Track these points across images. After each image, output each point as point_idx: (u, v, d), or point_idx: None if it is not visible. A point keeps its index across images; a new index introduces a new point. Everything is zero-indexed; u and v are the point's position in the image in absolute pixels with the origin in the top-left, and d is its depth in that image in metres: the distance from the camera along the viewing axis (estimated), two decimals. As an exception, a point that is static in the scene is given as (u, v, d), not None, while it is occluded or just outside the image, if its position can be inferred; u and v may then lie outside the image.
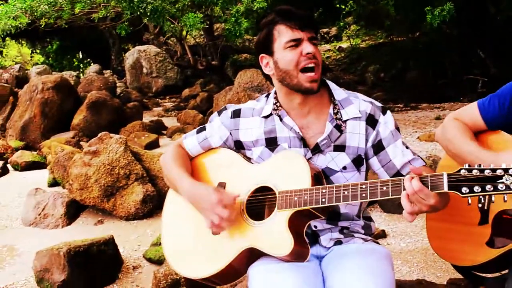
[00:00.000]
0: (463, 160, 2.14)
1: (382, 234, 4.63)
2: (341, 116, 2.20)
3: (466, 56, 13.99)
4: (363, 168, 2.23)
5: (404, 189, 1.83)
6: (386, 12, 15.57)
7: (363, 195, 1.92)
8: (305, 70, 2.13)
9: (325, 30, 21.23)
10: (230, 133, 2.34)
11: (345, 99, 2.24)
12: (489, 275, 2.29)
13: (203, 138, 2.39)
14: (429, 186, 1.80)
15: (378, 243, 2.33)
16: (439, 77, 13.87)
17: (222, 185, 2.24)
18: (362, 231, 2.29)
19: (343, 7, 18.22)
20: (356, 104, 2.23)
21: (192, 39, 18.18)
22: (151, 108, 14.85)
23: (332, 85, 2.29)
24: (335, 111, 2.21)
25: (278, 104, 2.27)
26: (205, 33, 16.93)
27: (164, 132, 10.58)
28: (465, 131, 2.23)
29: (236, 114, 2.35)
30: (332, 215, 2.22)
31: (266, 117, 2.28)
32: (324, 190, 1.99)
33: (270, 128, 2.26)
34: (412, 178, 1.82)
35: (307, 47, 2.11)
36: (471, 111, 2.28)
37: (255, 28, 13.08)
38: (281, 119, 2.24)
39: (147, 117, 12.18)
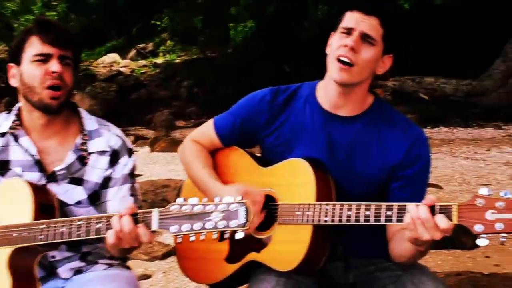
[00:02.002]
0: (198, 186, 2.14)
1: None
2: (88, 148, 2.09)
3: (274, 71, 14.78)
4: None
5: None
6: (199, 29, 15.94)
7: (79, 232, 1.84)
8: (49, 88, 1.98)
9: (141, 45, 21.06)
10: None
11: (95, 130, 2.13)
12: None
13: None
14: (141, 222, 1.76)
15: (127, 267, 2.23)
16: (250, 91, 14.48)
17: None
18: (108, 254, 2.14)
19: (159, 23, 18.27)
20: (106, 138, 2.12)
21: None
22: None
23: (84, 113, 2.16)
24: (82, 141, 2.09)
25: (18, 122, 2.09)
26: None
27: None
28: (200, 155, 2.20)
29: None
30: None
31: (2, 135, 2.08)
32: (42, 226, 1.86)
33: (3, 149, 2.06)
34: (122, 215, 1.78)
35: (54, 65, 1.97)
36: (207, 129, 2.25)
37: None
38: (16, 139, 2.06)
39: None
